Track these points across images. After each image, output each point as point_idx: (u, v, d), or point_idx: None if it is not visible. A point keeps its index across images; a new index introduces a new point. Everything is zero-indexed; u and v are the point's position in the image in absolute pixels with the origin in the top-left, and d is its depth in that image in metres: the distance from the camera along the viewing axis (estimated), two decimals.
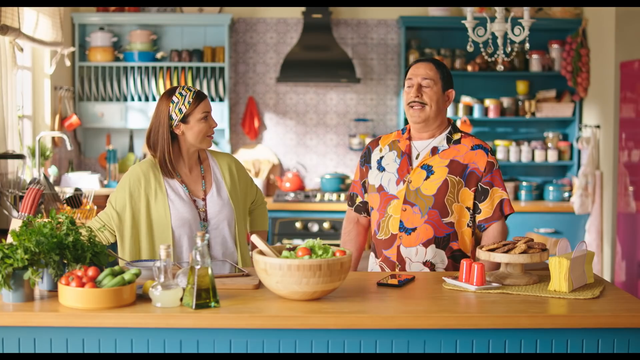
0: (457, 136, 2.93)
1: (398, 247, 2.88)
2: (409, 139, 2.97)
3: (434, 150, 2.90)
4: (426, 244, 2.86)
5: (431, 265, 2.86)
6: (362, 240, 3.14)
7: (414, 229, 2.86)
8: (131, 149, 6.12)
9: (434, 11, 6.01)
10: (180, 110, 2.81)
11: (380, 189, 2.95)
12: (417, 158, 2.92)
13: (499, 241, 2.74)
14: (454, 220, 2.87)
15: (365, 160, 3.05)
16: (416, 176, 2.88)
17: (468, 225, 2.89)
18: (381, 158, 2.99)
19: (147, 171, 2.86)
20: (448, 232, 2.86)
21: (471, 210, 2.89)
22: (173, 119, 2.82)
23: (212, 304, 2.19)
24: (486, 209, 2.87)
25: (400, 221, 2.87)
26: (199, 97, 2.85)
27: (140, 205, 2.82)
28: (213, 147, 6.22)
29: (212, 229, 2.88)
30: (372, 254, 3.02)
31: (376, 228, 2.96)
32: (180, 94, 2.83)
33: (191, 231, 2.83)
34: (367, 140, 6.10)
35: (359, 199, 3.08)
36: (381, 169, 2.97)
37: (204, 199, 2.89)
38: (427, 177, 2.86)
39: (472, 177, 2.86)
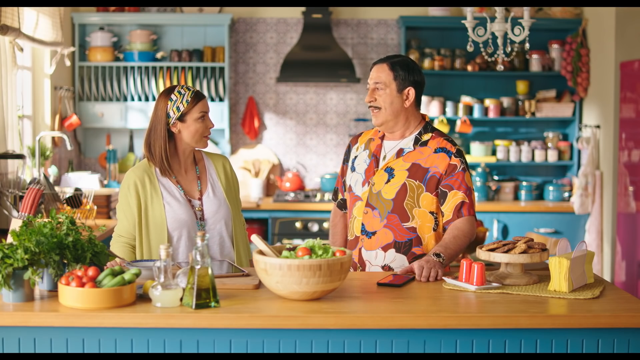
0: (426, 137, 2.87)
1: (360, 249, 2.87)
2: (382, 137, 2.94)
3: (399, 153, 2.86)
4: (385, 248, 2.82)
5: (389, 270, 2.82)
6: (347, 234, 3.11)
7: (374, 233, 2.84)
8: (131, 149, 6.12)
9: (434, 11, 6.01)
10: (177, 108, 2.82)
11: (350, 189, 2.95)
12: (384, 159, 2.89)
13: (458, 235, 2.72)
14: (416, 225, 2.81)
15: (346, 159, 3.04)
16: (379, 179, 2.85)
17: (434, 230, 2.83)
18: (355, 157, 2.98)
19: (142, 175, 2.86)
20: (410, 237, 2.81)
21: (435, 215, 2.82)
22: (170, 116, 2.83)
23: (212, 304, 2.19)
24: (447, 212, 2.80)
25: (362, 224, 2.86)
26: (197, 96, 2.85)
27: (139, 210, 2.83)
28: (212, 147, 6.20)
29: (209, 228, 2.88)
30: None
31: (347, 228, 2.98)
32: (179, 92, 2.84)
33: (188, 232, 2.84)
34: None
35: (340, 196, 3.09)
36: (353, 169, 2.97)
37: (200, 199, 2.90)
38: (388, 181, 2.83)
39: (433, 181, 2.80)
